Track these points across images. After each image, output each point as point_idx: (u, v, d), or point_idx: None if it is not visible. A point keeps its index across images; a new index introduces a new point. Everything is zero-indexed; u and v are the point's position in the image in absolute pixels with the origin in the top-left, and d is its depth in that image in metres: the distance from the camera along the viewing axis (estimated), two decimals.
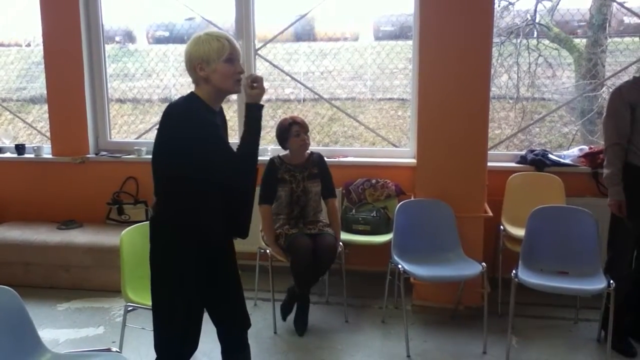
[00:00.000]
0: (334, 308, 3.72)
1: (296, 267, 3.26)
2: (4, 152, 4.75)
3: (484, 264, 3.19)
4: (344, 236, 3.68)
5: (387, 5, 5.28)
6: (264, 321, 3.52)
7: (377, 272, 3.85)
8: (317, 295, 3.69)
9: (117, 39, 5.54)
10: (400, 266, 3.19)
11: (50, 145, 4.60)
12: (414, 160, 3.83)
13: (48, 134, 4.67)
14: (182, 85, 5.48)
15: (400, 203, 3.56)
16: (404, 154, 4.22)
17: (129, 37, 5.85)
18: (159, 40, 6.20)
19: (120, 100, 5.81)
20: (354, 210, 3.98)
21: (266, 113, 4.83)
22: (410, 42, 4.36)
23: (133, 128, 5.61)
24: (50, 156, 4.58)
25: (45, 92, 4.64)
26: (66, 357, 2.29)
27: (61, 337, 3.33)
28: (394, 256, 3.33)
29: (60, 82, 4.46)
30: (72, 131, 4.50)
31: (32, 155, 4.60)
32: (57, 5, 4.41)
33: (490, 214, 3.58)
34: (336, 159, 4.14)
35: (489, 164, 3.65)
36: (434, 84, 3.51)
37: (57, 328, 3.44)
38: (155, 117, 5.27)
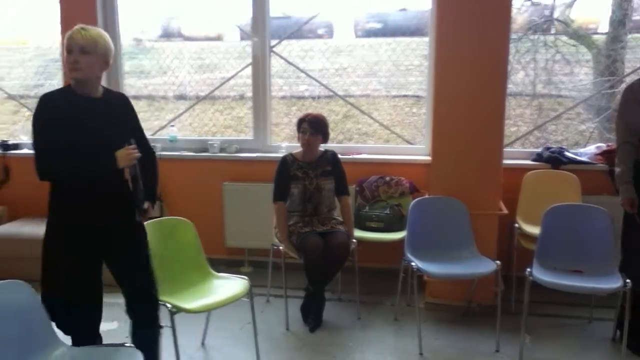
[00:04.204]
0: (346, 305, 3.73)
1: (309, 266, 3.27)
2: (21, 149, 4.82)
3: (498, 262, 3.17)
4: (357, 233, 3.68)
5: (405, 2, 5.24)
6: (276, 317, 3.53)
7: (389, 269, 3.84)
8: (329, 292, 3.69)
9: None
10: (413, 264, 3.18)
11: None
12: (428, 158, 3.82)
13: None
14: (197, 82, 5.50)
15: (414, 200, 3.55)
16: (419, 151, 4.20)
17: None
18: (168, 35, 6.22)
19: (136, 97, 5.85)
20: (367, 208, 3.97)
21: (280, 109, 4.85)
22: (425, 39, 4.33)
23: (148, 124, 5.65)
24: None
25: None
26: (80, 351, 2.31)
27: None
28: (407, 253, 3.32)
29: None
30: None
31: None
32: (75, 4, 4.44)
33: (505, 211, 3.55)
34: (350, 156, 4.14)
35: (505, 161, 3.62)
36: (450, 80, 3.49)
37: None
38: (170, 113, 5.30)
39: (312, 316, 3.42)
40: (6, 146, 4.79)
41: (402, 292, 3.56)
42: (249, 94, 4.75)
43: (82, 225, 2.36)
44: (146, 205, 2.50)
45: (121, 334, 3.34)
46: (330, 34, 5.45)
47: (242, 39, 5.05)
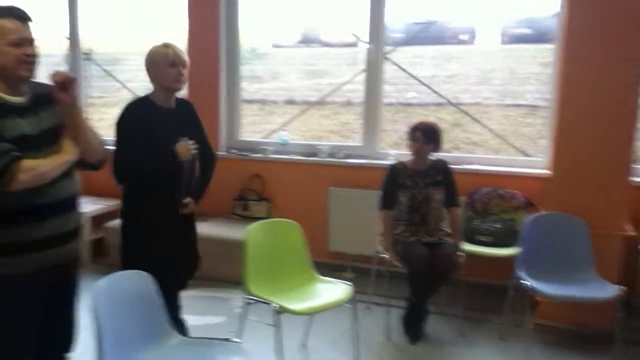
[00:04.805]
0: (449, 319, 3.60)
1: (412, 276, 3.20)
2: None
3: (622, 287, 2.92)
4: (466, 246, 3.55)
5: (524, 7, 4.98)
6: (376, 326, 3.49)
7: (497, 286, 3.67)
8: (432, 305, 3.59)
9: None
10: (526, 282, 3.01)
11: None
12: (546, 171, 3.61)
13: None
14: (306, 87, 5.60)
15: (530, 216, 3.36)
16: (535, 164, 3.98)
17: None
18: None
19: (248, 101, 6.06)
20: (477, 220, 3.82)
21: (386, 116, 4.82)
22: (546, 46, 4.11)
23: (258, 127, 5.84)
24: None
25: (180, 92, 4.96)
26: (192, 343, 2.42)
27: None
28: (519, 271, 3.15)
29: (199, 83, 4.74)
30: (207, 129, 4.73)
31: None
32: (201, 12, 4.68)
33: (632, 233, 3.27)
34: (461, 166, 4.01)
35: (635, 178, 3.35)
36: (576, 90, 3.28)
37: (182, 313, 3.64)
38: (279, 117, 5.45)
39: (414, 328, 3.35)
40: None
41: (510, 311, 3.38)
42: (356, 99, 4.75)
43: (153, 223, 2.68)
44: (187, 199, 2.75)
45: (227, 328, 3.47)
46: (472, 39, 5.29)
47: (353, 45, 5.06)
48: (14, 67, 1.92)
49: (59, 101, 1.99)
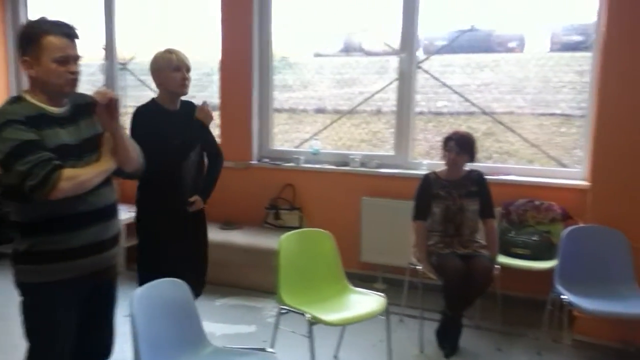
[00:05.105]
0: (484, 333, 3.53)
1: (447, 289, 3.15)
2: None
3: None
4: (501, 259, 3.48)
5: (569, 14, 4.87)
6: (409, 338, 3.45)
7: (534, 300, 3.61)
8: (466, 318, 3.53)
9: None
10: (564, 296, 2.94)
11: None
12: (583, 182, 3.53)
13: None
14: (335, 96, 5.60)
15: (568, 228, 3.28)
16: (572, 174, 3.90)
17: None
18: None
19: (278, 110, 6.09)
20: (513, 232, 3.75)
21: (416, 125, 4.78)
22: (582, 54, 4.03)
23: (287, 137, 5.85)
24: None
25: (212, 101, 4.99)
26: (226, 352, 2.41)
27: (217, 331, 3.52)
28: (557, 285, 3.08)
29: (232, 92, 4.79)
30: (239, 138, 4.80)
31: None
32: (234, 22, 4.73)
33: None
34: (495, 177, 3.94)
35: None
36: (617, 99, 3.21)
37: (214, 322, 3.64)
38: (308, 126, 5.46)
39: (448, 341, 3.29)
40: None
41: (548, 326, 3.30)
42: (385, 108, 4.73)
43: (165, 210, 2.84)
44: (193, 198, 2.92)
45: (258, 337, 3.46)
46: (521, 47, 5.22)
47: (388, 54, 5.04)
48: (58, 84, 1.95)
49: (102, 120, 2.04)
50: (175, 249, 2.88)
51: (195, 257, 3.05)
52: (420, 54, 4.44)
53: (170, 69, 2.75)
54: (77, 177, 1.92)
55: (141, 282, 2.57)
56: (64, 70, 1.94)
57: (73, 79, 1.98)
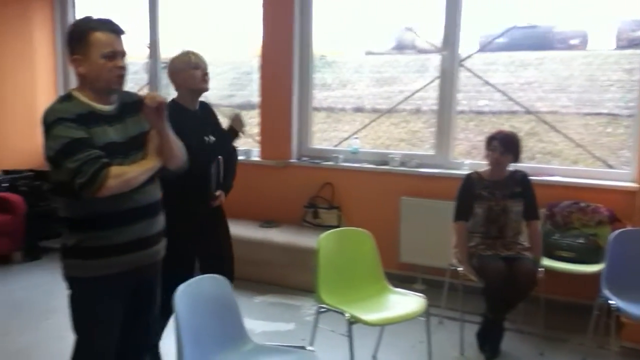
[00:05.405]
0: (527, 337, 3.46)
1: (488, 292, 3.09)
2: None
3: None
4: (545, 262, 3.40)
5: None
6: (449, 340, 3.40)
7: (579, 304, 3.52)
8: (508, 321, 3.46)
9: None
10: (612, 302, 2.85)
11: (258, 149, 4.98)
12: (632, 184, 3.41)
13: (254, 138, 5.06)
14: (374, 95, 5.57)
15: (617, 232, 3.17)
16: (620, 176, 3.78)
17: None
18: None
19: (316, 109, 6.10)
20: (557, 235, 3.66)
21: (456, 125, 4.71)
22: (633, 51, 3.90)
23: (325, 135, 5.86)
24: (258, 159, 4.94)
25: (251, 99, 5.04)
26: (267, 349, 2.42)
27: (256, 328, 3.54)
28: (604, 290, 2.98)
29: (272, 91, 4.82)
30: (279, 137, 4.83)
31: (242, 158, 4.97)
32: (275, 21, 4.75)
33: None
34: (539, 177, 3.84)
35: None
36: None
37: (254, 319, 3.66)
38: (347, 125, 5.44)
39: (489, 344, 3.23)
40: None
41: (593, 331, 3.20)
42: (425, 107, 4.68)
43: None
44: (218, 192, 2.94)
45: (296, 335, 3.47)
46: (584, 44, 5.08)
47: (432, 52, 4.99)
48: (107, 80, 1.99)
49: (149, 120, 2.08)
50: (197, 248, 2.89)
51: (218, 255, 3.02)
52: (462, 51, 4.36)
53: (190, 68, 2.79)
54: (124, 174, 1.96)
55: (164, 282, 2.56)
56: (112, 65, 1.98)
57: (121, 74, 2.02)
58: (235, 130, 2.98)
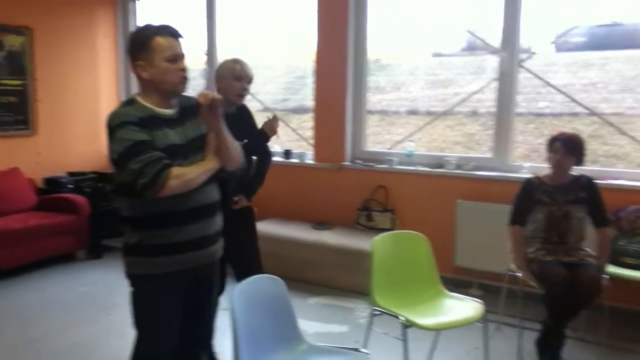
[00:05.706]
0: (589, 346, 3.33)
1: (549, 298, 2.99)
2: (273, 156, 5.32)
3: None
4: (610, 268, 3.27)
5: None
6: (506, 347, 3.31)
7: None
8: (570, 329, 3.34)
9: None
10: None
11: (312, 152, 5.02)
12: None
13: (308, 141, 5.10)
14: (428, 97, 5.50)
15: None
16: None
17: None
18: None
19: (369, 112, 6.09)
20: (623, 241, 3.50)
21: (515, 127, 4.58)
22: None
23: (379, 138, 5.83)
24: (312, 162, 4.98)
25: (304, 103, 5.08)
26: (321, 350, 2.42)
27: (309, 329, 3.55)
28: None
29: (326, 95, 4.85)
30: (333, 140, 4.85)
31: (296, 160, 5.06)
32: (330, 25, 4.78)
33: None
34: (604, 181, 3.69)
35: None
36: None
37: (307, 320, 3.68)
38: (400, 128, 5.40)
39: (549, 353, 3.12)
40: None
41: None
42: (482, 110, 4.58)
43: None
44: (238, 196, 2.95)
45: (350, 337, 3.46)
46: None
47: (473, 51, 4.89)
48: (172, 82, 2.06)
49: (206, 120, 2.13)
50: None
51: (242, 255, 3.02)
52: (522, 53, 4.25)
53: (232, 78, 2.86)
54: (184, 175, 2.01)
55: None
56: (176, 67, 2.05)
57: (184, 76, 2.08)
58: (265, 133, 3.02)
